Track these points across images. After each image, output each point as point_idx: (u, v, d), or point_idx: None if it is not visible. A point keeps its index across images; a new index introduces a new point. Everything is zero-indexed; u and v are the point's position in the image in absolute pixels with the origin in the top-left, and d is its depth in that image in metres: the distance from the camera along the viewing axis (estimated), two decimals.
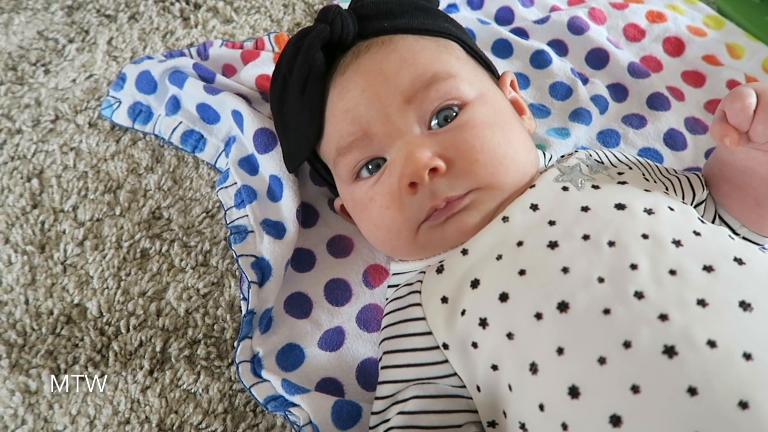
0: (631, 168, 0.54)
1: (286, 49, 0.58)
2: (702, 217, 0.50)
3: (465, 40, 0.60)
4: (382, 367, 0.52)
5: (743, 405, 0.35)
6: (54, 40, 0.84)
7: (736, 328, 0.38)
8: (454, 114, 0.51)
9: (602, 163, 0.55)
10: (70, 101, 0.77)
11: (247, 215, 0.63)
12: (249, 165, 0.68)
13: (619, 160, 0.56)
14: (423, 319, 0.50)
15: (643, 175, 0.54)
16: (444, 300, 0.49)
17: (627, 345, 0.38)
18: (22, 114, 0.77)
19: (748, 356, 0.36)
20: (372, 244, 0.58)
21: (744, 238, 0.52)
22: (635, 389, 0.37)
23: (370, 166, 0.53)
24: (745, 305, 0.39)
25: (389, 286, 0.58)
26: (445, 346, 0.48)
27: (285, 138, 0.60)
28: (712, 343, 0.37)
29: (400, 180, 0.49)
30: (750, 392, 0.35)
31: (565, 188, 0.50)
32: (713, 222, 0.54)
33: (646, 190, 0.50)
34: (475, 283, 0.47)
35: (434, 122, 0.52)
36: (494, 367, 0.45)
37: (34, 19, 0.87)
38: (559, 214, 0.48)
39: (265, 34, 0.79)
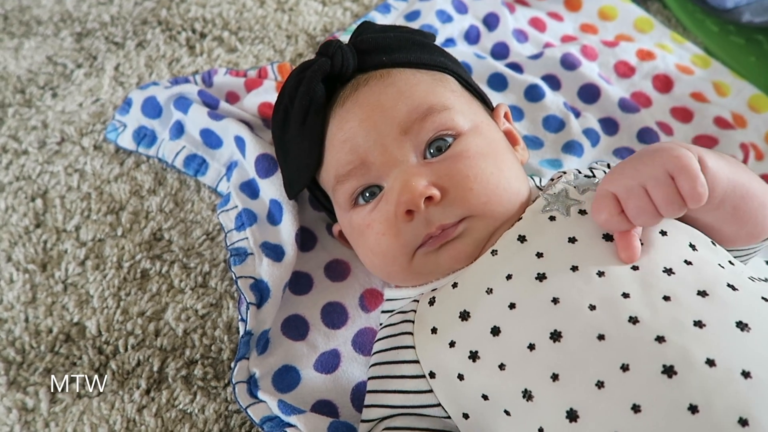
0: None
1: (288, 80, 0.60)
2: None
3: (460, 73, 0.62)
4: (369, 391, 0.53)
5: (743, 422, 0.36)
6: (62, 65, 0.86)
7: (735, 347, 0.39)
8: (448, 144, 0.53)
9: (593, 176, 0.56)
10: (76, 124, 0.79)
11: (247, 238, 0.65)
12: (250, 189, 0.69)
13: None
14: (413, 347, 0.51)
15: None
16: (433, 331, 0.50)
17: (624, 368, 0.39)
18: (28, 136, 0.78)
19: (746, 374, 0.37)
20: (369, 269, 0.60)
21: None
22: (636, 409, 0.38)
23: (366, 194, 0.55)
24: (742, 325, 0.40)
25: (383, 312, 0.59)
26: (432, 375, 0.49)
27: (286, 166, 0.62)
28: (711, 362, 0.38)
29: (397, 207, 0.51)
30: (749, 410, 0.36)
31: (552, 218, 0.51)
32: None
33: None
34: (464, 315, 0.48)
35: (428, 153, 0.53)
36: (485, 397, 0.45)
37: (44, 44, 0.89)
38: (547, 245, 0.48)
39: (269, 64, 0.81)
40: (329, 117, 0.57)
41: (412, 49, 0.60)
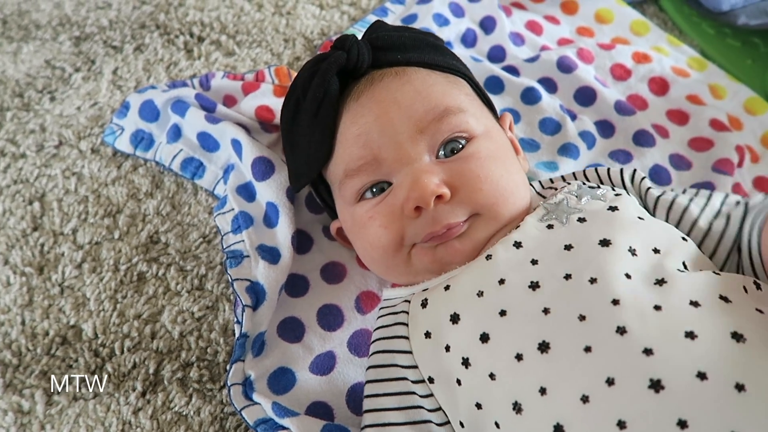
0: (629, 193, 0.55)
1: (301, 72, 0.59)
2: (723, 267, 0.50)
3: (471, 77, 0.62)
4: (367, 396, 0.52)
5: None
6: (61, 68, 0.87)
7: (729, 360, 0.38)
8: (461, 146, 0.54)
9: (598, 187, 0.55)
10: (74, 128, 0.79)
11: (243, 240, 0.65)
12: (246, 192, 0.69)
13: (622, 178, 0.57)
14: (410, 352, 0.51)
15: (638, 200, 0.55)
16: (427, 335, 0.50)
17: (610, 382, 0.39)
18: (26, 139, 0.79)
19: (740, 387, 0.36)
20: (366, 264, 0.60)
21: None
22: (621, 425, 0.37)
23: (374, 189, 0.55)
24: (737, 336, 0.39)
25: (379, 317, 0.58)
26: (431, 380, 0.49)
27: (293, 158, 0.62)
28: (702, 375, 0.37)
29: (406, 203, 0.51)
30: (742, 426, 0.35)
31: (550, 226, 0.51)
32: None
33: (639, 218, 0.50)
34: (455, 318, 0.48)
35: (441, 152, 0.54)
36: (478, 406, 0.45)
37: (42, 48, 0.89)
38: (542, 253, 0.48)
39: (266, 67, 0.82)
40: (342, 111, 0.57)
41: (426, 49, 0.60)
